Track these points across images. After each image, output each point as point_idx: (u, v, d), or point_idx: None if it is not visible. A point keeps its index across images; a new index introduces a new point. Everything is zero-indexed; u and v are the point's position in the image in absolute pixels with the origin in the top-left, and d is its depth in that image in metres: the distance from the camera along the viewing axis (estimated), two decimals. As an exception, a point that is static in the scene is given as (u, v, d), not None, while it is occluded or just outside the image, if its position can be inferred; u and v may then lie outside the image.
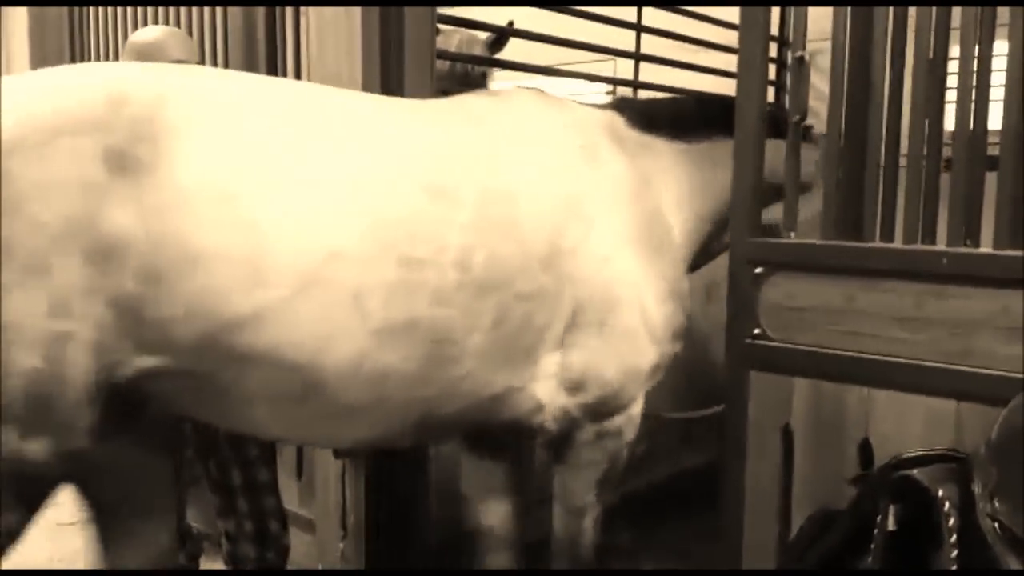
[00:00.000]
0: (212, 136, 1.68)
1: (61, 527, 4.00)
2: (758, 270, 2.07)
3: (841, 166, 1.98)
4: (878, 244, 1.93)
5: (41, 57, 4.36)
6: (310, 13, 2.81)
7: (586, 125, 2.23)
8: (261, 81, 2.16)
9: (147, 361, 1.67)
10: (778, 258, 2.05)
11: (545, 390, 2.06)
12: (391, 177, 1.84)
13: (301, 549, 2.96)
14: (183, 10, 3.29)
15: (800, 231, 2.07)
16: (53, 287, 1.55)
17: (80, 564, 3.52)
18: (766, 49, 2.09)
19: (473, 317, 1.86)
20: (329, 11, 2.65)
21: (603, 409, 2.13)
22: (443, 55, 3.20)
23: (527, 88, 2.33)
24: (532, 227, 1.96)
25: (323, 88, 2.13)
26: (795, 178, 2.03)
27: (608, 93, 4.95)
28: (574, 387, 2.07)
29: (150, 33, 2.64)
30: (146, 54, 2.51)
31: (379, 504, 2.68)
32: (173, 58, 2.52)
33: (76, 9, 4.24)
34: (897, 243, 1.91)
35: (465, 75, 3.53)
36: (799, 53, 2.01)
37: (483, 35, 3.78)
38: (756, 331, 2.08)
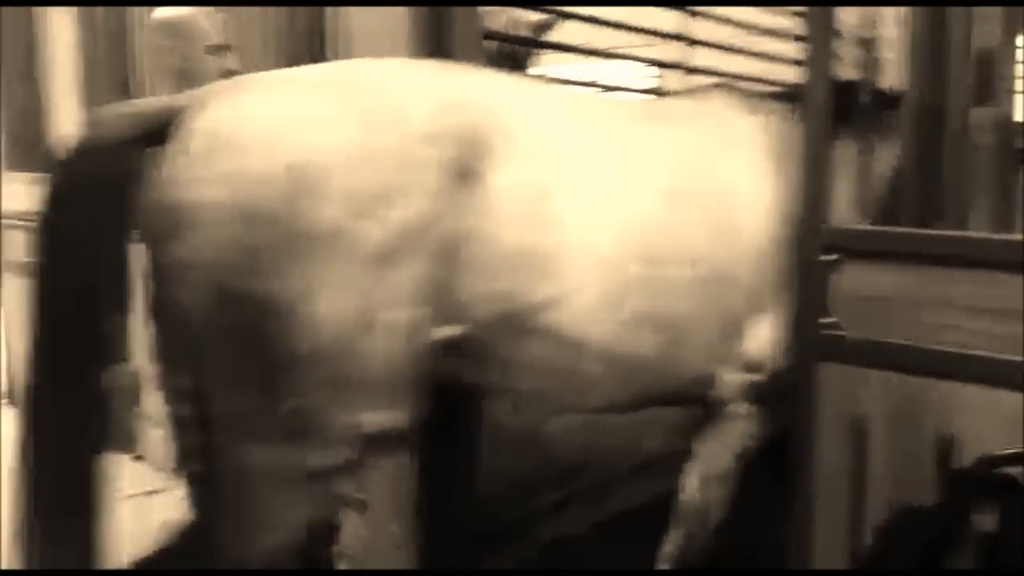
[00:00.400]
0: (524, 145, 1.89)
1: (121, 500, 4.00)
2: (829, 257, 1.98)
3: (919, 149, 1.89)
4: (958, 232, 1.84)
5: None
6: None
7: (777, 127, 2.33)
8: (539, 88, 2.34)
9: (447, 331, 1.88)
10: (851, 245, 1.97)
11: (731, 370, 2.27)
12: (640, 182, 2.07)
13: (350, 530, 2.91)
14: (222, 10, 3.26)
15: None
16: (404, 280, 1.72)
17: (139, 540, 3.54)
18: (831, 29, 1.99)
19: (699, 308, 2.11)
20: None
21: (764, 389, 2.29)
22: (491, 35, 3.13)
23: (717, 92, 2.51)
24: (744, 227, 2.19)
25: (576, 94, 2.52)
26: (871, 162, 1.95)
27: (657, 76, 4.86)
28: (752, 368, 2.27)
29: (179, 10, 2.59)
30: (176, 31, 2.47)
31: (431, 487, 2.62)
32: (201, 35, 2.47)
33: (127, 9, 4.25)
34: (977, 230, 1.82)
35: (512, 55, 3.46)
36: (869, 33, 1.92)
37: (529, 16, 3.71)
38: (826, 321, 2.00)
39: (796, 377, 2.06)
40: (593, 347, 2.00)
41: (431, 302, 1.78)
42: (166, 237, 1.68)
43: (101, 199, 1.74)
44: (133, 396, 2.68)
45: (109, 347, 1.83)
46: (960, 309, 1.84)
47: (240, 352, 1.69)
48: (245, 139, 1.67)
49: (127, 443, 4.68)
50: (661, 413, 2.61)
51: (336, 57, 3.01)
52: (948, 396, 1.87)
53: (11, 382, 5.60)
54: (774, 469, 2.18)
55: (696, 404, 2.38)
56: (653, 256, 2.03)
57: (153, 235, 1.72)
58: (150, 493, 4.16)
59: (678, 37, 3.88)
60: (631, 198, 2.04)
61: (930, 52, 1.85)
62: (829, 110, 1.95)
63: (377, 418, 1.78)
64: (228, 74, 2.56)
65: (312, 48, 3.16)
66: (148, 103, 1.97)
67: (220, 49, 2.51)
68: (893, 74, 1.92)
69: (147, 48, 2.67)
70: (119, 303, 1.80)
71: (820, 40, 1.93)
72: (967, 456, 1.84)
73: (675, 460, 2.49)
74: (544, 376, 2.04)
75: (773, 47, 4.06)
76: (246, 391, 1.72)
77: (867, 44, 1.93)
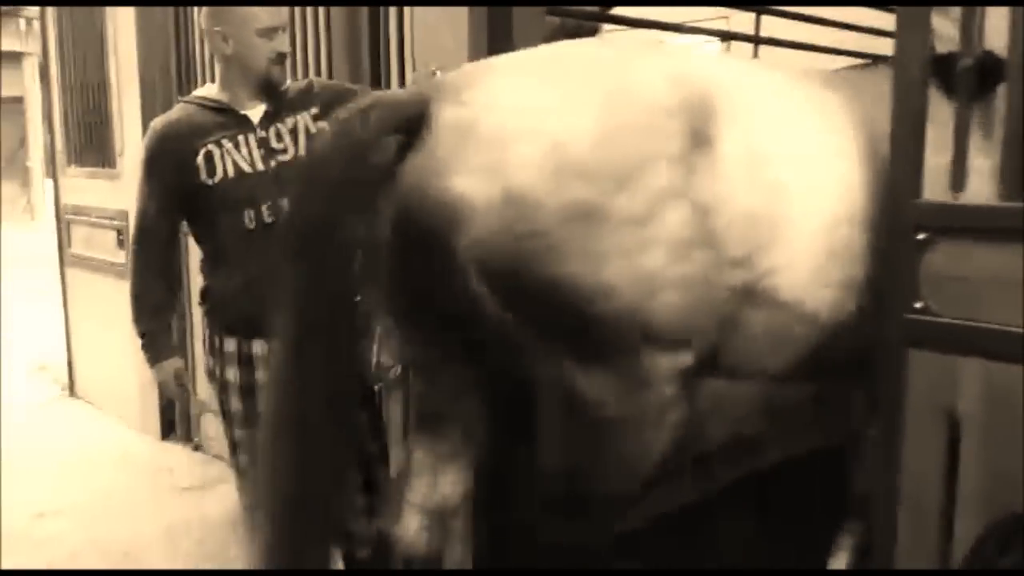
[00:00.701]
0: (742, 113, 1.93)
1: (178, 492, 4.01)
2: (921, 236, 1.81)
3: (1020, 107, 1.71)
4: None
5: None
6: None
7: None
8: (739, 61, 2.57)
9: None
10: (946, 222, 1.79)
11: None
12: (840, 145, 2.10)
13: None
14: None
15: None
16: (670, 239, 1.79)
17: (195, 533, 3.54)
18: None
19: (867, 271, 2.09)
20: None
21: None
22: (555, 11, 3.01)
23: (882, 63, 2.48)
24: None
25: (770, 67, 2.45)
26: (965, 130, 1.77)
27: (725, 49, 4.69)
28: None
29: None
30: (225, 16, 2.42)
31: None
32: (251, 18, 2.40)
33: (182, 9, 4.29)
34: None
35: (577, 29, 3.33)
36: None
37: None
38: (918, 304, 1.83)
39: (885, 366, 1.89)
40: (807, 312, 2.05)
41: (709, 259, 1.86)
42: (436, 231, 1.73)
43: (355, 195, 1.80)
44: (188, 383, 2.64)
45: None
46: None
47: (536, 333, 1.81)
48: (505, 126, 1.74)
49: (186, 432, 4.69)
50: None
51: (396, 51, 2.97)
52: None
53: (73, 375, 5.67)
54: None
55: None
56: (856, 218, 2.06)
57: (418, 229, 1.76)
58: (204, 487, 4.14)
59: (751, 5, 3.70)
60: (836, 161, 2.08)
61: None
62: (925, 80, 1.78)
63: (679, 360, 1.90)
64: (280, 58, 2.50)
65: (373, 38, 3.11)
66: (392, 96, 2.03)
67: (271, 32, 2.45)
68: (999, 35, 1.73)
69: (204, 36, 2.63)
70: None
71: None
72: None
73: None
74: (762, 345, 2.08)
75: (853, 14, 3.85)
76: (553, 362, 1.84)
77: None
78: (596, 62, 1.95)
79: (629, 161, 1.76)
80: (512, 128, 1.74)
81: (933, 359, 1.83)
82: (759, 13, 3.69)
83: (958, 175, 1.79)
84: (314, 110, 2.53)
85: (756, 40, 3.77)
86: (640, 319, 1.80)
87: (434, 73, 2.65)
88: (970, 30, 1.76)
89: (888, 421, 1.90)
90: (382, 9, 3.05)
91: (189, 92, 2.91)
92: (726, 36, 4.02)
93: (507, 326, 1.79)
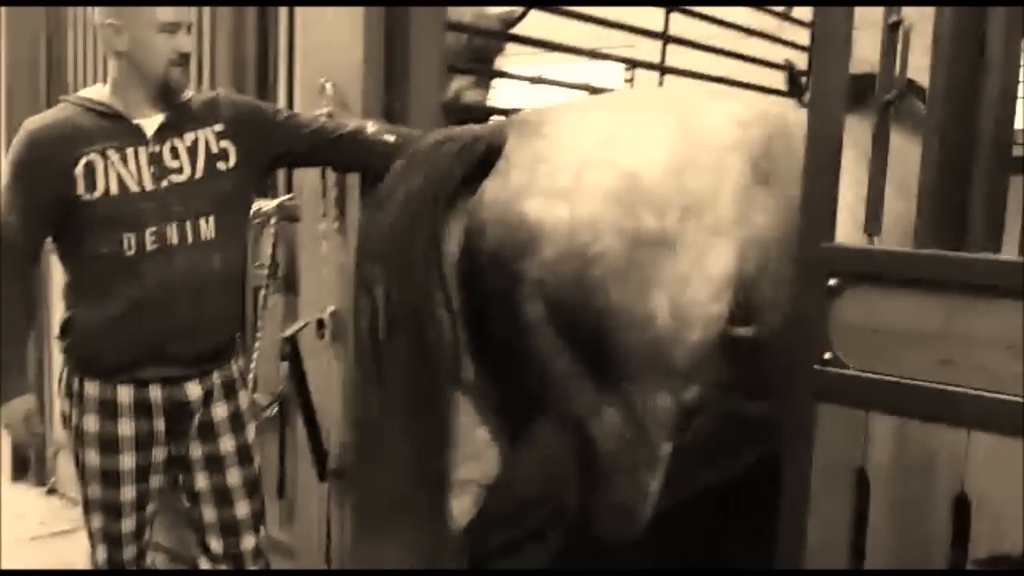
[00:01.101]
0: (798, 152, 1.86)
1: (31, 541, 3.64)
2: (833, 282, 1.71)
3: (943, 159, 1.62)
4: (987, 255, 1.57)
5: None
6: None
7: None
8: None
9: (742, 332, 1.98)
10: (859, 268, 1.69)
11: None
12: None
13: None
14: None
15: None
16: (713, 276, 1.87)
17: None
18: (850, 25, 1.71)
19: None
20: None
21: None
22: (456, 26, 2.86)
23: None
24: None
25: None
26: (882, 170, 1.68)
27: (628, 80, 4.62)
28: None
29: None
30: (123, 11, 2.10)
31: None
32: (151, 13, 2.11)
33: (54, 9, 3.97)
34: (1010, 255, 1.55)
35: (482, 49, 3.19)
36: (893, 17, 1.65)
37: (496, 10, 3.46)
38: (827, 356, 1.72)
39: (791, 419, 1.78)
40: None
41: (736, 299, 1.92)
42: (506, 251, 1.86)
43: (428, 222, 1.93)
44: (40, 428, 2.33)
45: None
46: (984, 344, 1.57)
47: (580, 356, 1.90)
48: (580, 155, 1.86)
49: (39, 474, 4.26)
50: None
51: (286, 54, 2.76)
52: (965, 445, 1.60)
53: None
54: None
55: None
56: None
57: (489, 250, 1.89)
58: (60, 533, 3.78)
59: (659, 35, 3.62)
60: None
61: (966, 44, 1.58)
62: (842, 113, 1.68)
63: (687, 396, 1.96)
64: (182, 59, 2.15)
65: (261, 40, 2.89)
66: (469, 131, 2.09)
67: (174, 28, 2.11)
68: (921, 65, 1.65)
69: (96, 30, 2.33)
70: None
71: (836, 27, 1.66)
72: (984, 517, 1.57)
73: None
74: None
75: (755, 47, 3.82)
76: (582, 386, 1.94)
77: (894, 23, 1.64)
78: (670, 103, 2.10)
79: (696, 193, 1.86)
80: (586, 157, 1.85)
81: (843, 413, 1.72)
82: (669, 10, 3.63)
83: (873, 218, 1.69)
84: (219, 127, 2.18)
85: (662, 69, 3.70)
86: (666, 354, 1.88)
87: (323, 87, 2.45)
88: (890, 58, 1.67)
89: (795, 476, 1.78)
90: (271, 8, 2.82)
91: (56, 96, 2.59)
92: (632, 64, 3.94)
93: (558, 355, 1.90)
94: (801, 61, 3.91)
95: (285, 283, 2.69)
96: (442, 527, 2.12)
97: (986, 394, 1.57)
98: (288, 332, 2.50)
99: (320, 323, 2.46)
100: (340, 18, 2.43)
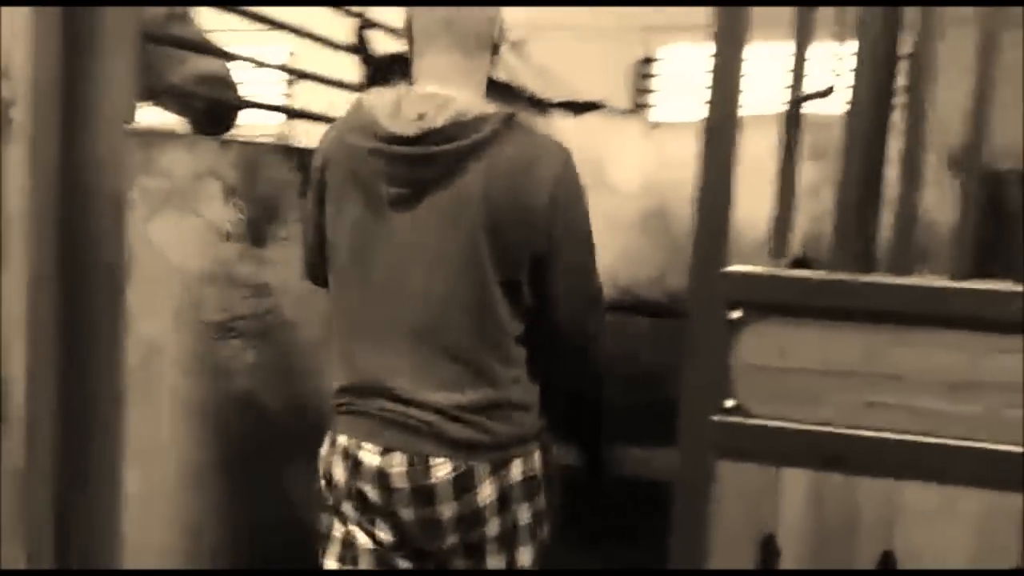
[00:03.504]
0: None
1: None
2: (734, 315, 1.42)
3: (864, 173, 1.40)
4: (917, 280, 1.38)
5: None
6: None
7: None
8: None
9: None
10: (765, 297, 1.42)
11: None
12: None
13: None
14: None
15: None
16: None
17: None
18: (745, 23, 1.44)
19: None
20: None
21: None
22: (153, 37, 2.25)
23: None
24: None
25: None
26: (790, 180, 1.42)
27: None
28: None
29: None
30: None
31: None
32: None
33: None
34: (943, 279, 1.37)
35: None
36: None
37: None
38: (729, 403, 1.44)
39: (684, 480, 1.47)
40: None
41: None
42: None
43: None
44: None
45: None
46: (908, 382, 1.38)
47: None
48: None
49: None
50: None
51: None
52: (890, 498, 1.40)
53: None
54: None
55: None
56: None
57: None
58: None
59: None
60: None
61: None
62: (735, 119, 1.40)
63: None
64: None
65: None
66: None
67: None
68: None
69: None
70: None
71: (733, 28, 1.37)
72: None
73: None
74: None
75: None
76: None
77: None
78: None
79: None
80: None
81: (748, 471, 1.45)
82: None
83: (780, 238, 1.43)
84: None
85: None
86: None
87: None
88: (799, 71, 1.42)
89: (689, 547, 1.47)
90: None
91: None
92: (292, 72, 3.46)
93: None
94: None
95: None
96: None
97: (914, 438, 1.38)
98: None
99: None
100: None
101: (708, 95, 1.41)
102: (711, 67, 1.40)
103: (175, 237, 2.25)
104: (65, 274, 1.81)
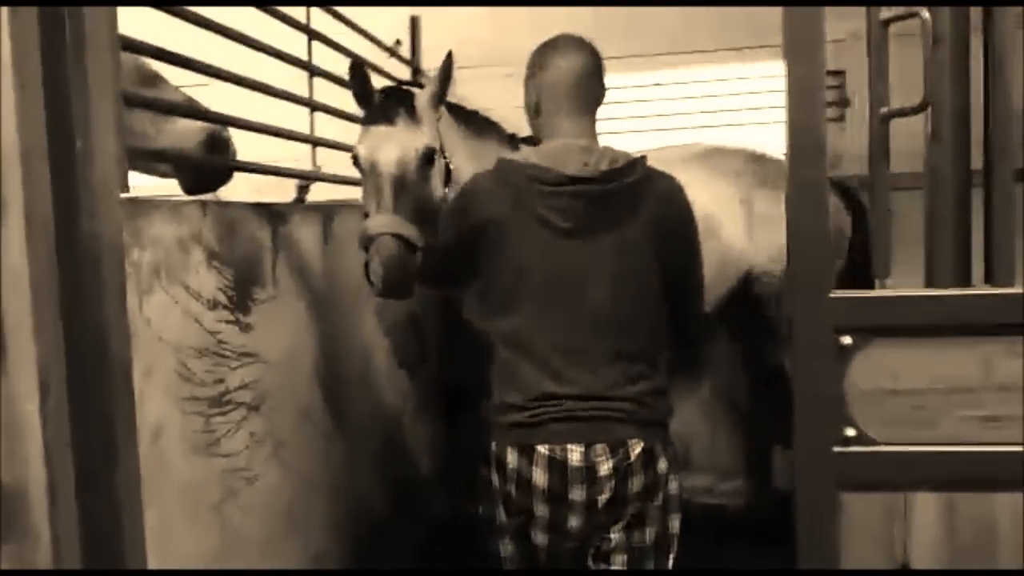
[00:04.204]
0: None
1: None
2: (846, 340, 1.37)
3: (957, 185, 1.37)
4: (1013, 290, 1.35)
5: None
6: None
7: None
8: None
9: None
10: (874, 320, 1.38)
11: None
12: None
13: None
14: None
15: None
16: None
17: None
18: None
19: None
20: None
21: None
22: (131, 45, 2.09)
23: None
24: None
25: None
26: (885, 198, 1.39)
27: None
28: None
29: None
30: None
31: None
32: None
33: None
34: None
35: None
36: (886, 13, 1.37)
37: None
38: (849, 432, 1.39)
39: (809, 513, 1.40)
40: None
41: None
42: None
43: None
44: None
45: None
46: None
47: None
48: None
49: None
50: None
51: None
52: None
53: None
54: None
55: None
56: None
57: None
58: None
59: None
60: None
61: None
62: (824, 147, 1.35)
63: None
64: None
65: None
66: None
67: None
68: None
69: None
70: None
71: (810, 34, 1.33)
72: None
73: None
74: None
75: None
76: None
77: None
78: None
79: None
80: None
81: (873, 501, 1.39)
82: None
83: (882, 258, 1.39)
84: None
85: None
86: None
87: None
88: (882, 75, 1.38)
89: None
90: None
91: None
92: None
93: None
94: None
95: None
96: None
97: (1038, 449, 1.35)
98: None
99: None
100: None
101: (787, 113, 1.36)
102: (786, 83, 1.36)
103: (167, 312, 2.08)
104: (73, 369, 1.64)
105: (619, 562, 2.11)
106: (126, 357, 1.68)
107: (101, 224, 1.63)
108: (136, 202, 1.98)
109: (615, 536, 2.09)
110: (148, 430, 1.96)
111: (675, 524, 2.15)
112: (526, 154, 2.24)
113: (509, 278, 2.15)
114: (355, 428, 3.23)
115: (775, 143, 4.00)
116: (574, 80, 2.22)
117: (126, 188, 1.90)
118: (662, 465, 2.09)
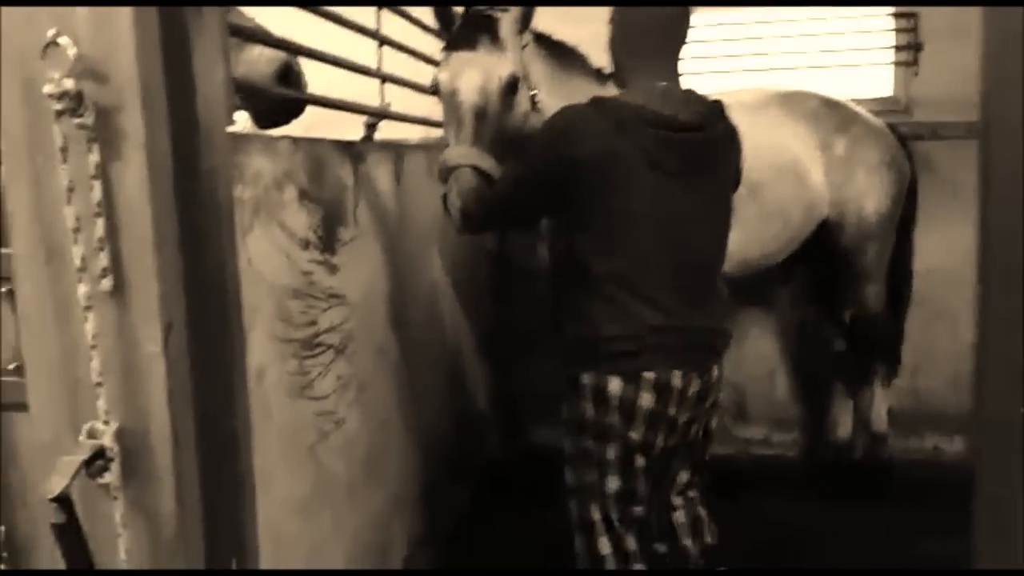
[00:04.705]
0: None
1: None
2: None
3: None
4: None
5: None
6: None
7: None
8: None
9: None
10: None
11: None
12: None
13: None
14: None
15: None
16: None
17: None
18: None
19: None
20: None
21: None
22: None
23: None
24: None
25: None
26: None
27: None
28: None
29: None
30: None
31: None
32: None
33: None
34: None
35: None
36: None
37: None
38: (1039, 396, 1.30)
39: (991, 487, 1.33)
40: None
41: None
42: None
43: None
44: None
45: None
46: None
47: None
48: None
49: None
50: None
51: None
52: None
53: None
54: None
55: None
56: None
57: None
58: None
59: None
60: None
61: None
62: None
63: None
64: None
65: None
66: None
67: None
68: None
69: None
70: None
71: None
72: None
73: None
74: None
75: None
76: None
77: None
78: None
79: None
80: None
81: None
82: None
83: None
84: None
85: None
86: None
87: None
88: None
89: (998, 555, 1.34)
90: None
91: None
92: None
93: None
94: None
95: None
96: None
97: None
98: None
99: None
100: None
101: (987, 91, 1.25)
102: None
103: (266, 252, 2.00)
104: (192, 310, 1.55)
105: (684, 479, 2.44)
106: (239, 298, 1.61)
107: (215, 159, 1.54)
108: (236, 137, 1.88)
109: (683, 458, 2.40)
110: (252, 373, 1.90)
111: (713, 424, 2.45)
112: (628, 95, 2.21)
113: (616, 217, 2.14)
114: (424, 367, 3.18)
115: (828, 87, 3.86)
116: (663, 21, 2.21)
117: (232, 121, 1.81)
118: (721, 384, 2.36)
